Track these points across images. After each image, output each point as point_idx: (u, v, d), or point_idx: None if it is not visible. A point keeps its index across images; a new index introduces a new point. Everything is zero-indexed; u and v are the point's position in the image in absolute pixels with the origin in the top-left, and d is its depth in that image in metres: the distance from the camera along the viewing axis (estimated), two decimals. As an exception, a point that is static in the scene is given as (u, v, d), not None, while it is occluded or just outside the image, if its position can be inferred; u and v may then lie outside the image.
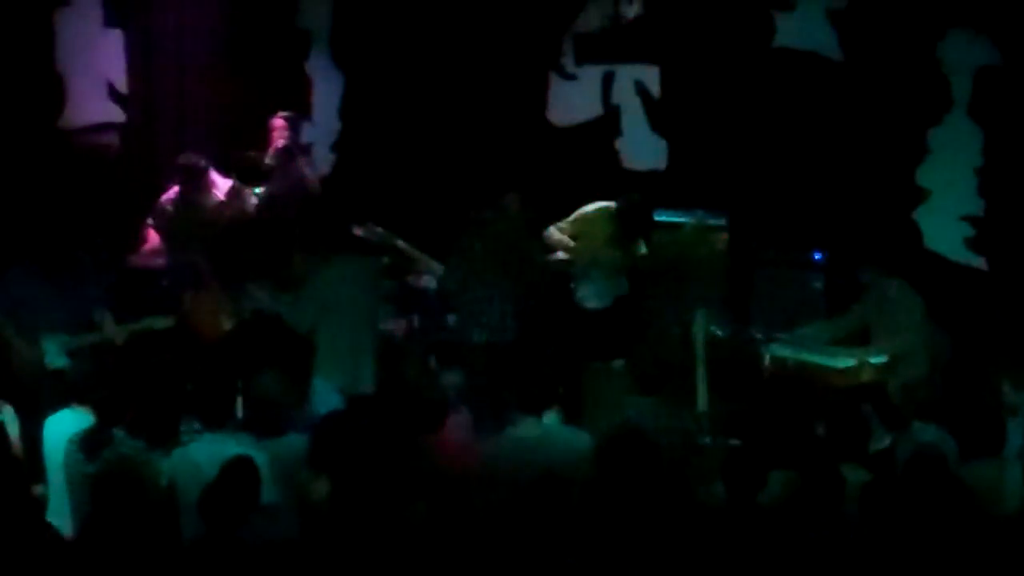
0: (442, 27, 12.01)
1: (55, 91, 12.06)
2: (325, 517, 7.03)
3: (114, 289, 10.04)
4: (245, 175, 10.99)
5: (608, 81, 11.89)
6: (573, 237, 10.50)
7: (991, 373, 9.22)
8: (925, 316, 9.66)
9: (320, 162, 12.23)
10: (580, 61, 11.95)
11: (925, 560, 6.72)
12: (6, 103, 11.78)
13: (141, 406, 7.80)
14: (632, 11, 11.72)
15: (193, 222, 10.91)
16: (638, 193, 10.57)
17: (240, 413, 8.16)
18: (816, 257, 11.01)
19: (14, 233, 10.47)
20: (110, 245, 10.88)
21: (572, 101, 12.01)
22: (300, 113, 12.02)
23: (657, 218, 10.79)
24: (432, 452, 7.68)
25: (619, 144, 11.88)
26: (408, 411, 8.00)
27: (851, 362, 9.50)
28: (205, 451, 7.46)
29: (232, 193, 11.18)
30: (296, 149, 11.56)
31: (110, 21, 12.23)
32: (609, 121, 11.91)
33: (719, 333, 9.94)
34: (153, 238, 11.21)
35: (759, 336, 9.92)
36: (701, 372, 9.57)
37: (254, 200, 11.20)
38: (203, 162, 11.10)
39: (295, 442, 7.70)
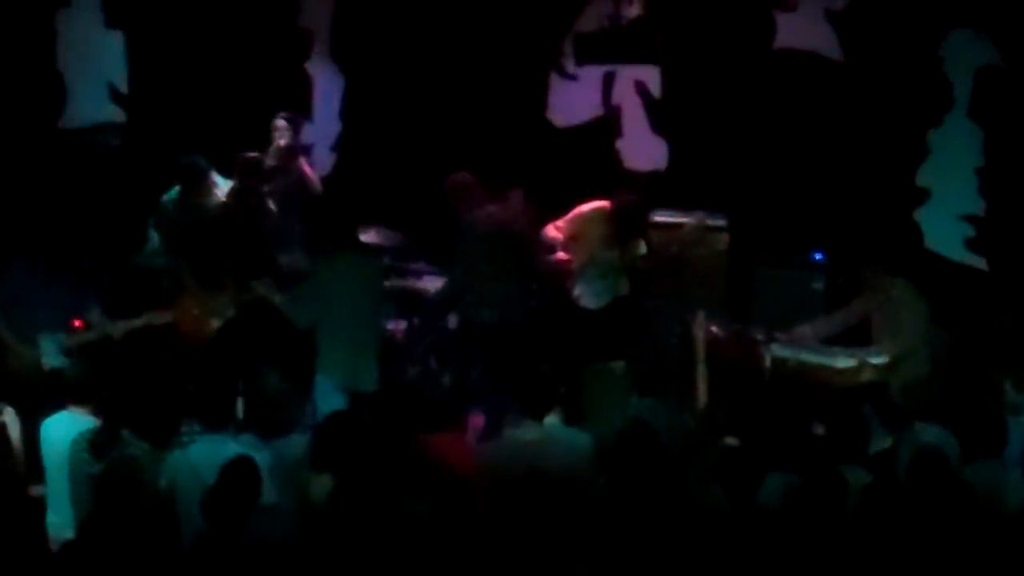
0: (443, 27, 12.00)
1: (56, 91, 12.07)
2: (325, 517, 7.03)
3: (112, 287, 10.03)
4: (245, 176, 10.96)
5: (609, 81, 11.88)
6: (570, 237, 10.50)
7: (992, 373, 9.23)
8: (929, 316, 9.66)
9: (321, 162, 12.23)
10: (581, 61, 11.94)
11: (926, 561, 6.72)
12: (7, 103, 11.78)
13: (142, 407, 7.79)
14: (633, 11, 11.72)
15: (193, 223, 10.89)
16: (633, 193, 10.56)
17: (241, 413, 8.16)
18: (817, 257, 11.02)
19: (15, 233, 10.47)
20: (110, 245, 10.89)
21: (573, 101, 12.00)
22: (301, 113, 12.01)
23: (657, 218, 10.79)
24: (433, 453, 7.67)
25: (620, 144, 11.88)
26: (408, 411, 8.00)
27: (852, 362, 9.49)
28: (205, 452, 7.46)
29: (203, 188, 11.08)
30: (297, 149, 11.56)
31: (111, 22, 12.23)
32: (610, 122, 11.90)
33: (719, 333, 9.94)
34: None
35: (759, 336, 9.91)
36: (701, 372, 9.57)
37: (220, 195, 11.10)
38: (203, 162, 11.09)
39: (297, 442, 7.70)
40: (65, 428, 7.93)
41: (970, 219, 10.89)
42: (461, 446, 7.94)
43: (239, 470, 6.92)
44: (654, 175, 11.70)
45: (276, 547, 6.76)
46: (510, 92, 11.98)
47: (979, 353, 9.80)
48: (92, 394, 8.04)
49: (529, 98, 12.01)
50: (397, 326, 10.58)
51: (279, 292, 10.07)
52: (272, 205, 10.96)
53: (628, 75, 11.84)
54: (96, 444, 7.63)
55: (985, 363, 9.56)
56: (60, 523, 7.75)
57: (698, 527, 6.86)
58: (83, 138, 12.16)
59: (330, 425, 7.70)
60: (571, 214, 10.53)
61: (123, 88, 12.28)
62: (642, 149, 11.81)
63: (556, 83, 12.03)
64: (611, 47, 11.82)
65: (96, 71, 12.22)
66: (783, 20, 11.30)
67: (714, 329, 9.92)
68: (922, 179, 11.00)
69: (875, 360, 9.47)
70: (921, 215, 11.01)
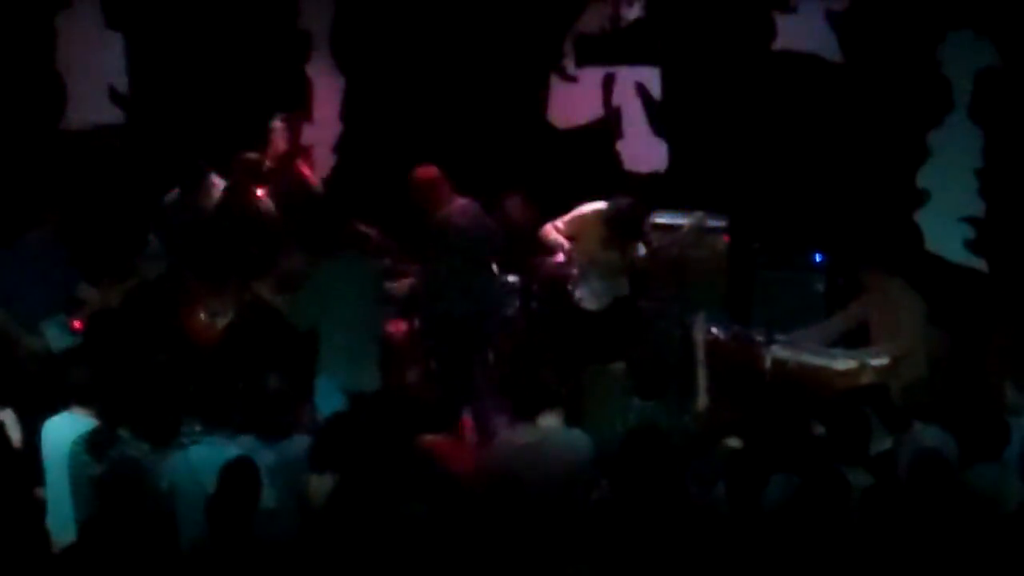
0: (443, 28, 12.01)
1: (56, 92, 12.07)
2: (325, 518, 7.03)
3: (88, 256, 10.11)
4: (245, 176, 10.96)
5: (609, 83, 11.88)
6: (569, 238, 10.50)
7: (992, 374, 9.22)
8: (926, 317, 9.66)
9: (321, 163, 12.23)
10: (581, 63, 11.94)
11: (926, 561, 6.72)
12: (7, 104, 11.78)
13: (143, 408, 7.79)
14: (633, 13, 11.72)
15: (193, 224, 10.90)
16: (631, 195, 10.55)
17: (242, 414, 8.15)
18: (817, 259, 11.01)
19: (15, 233, 10.47)
20: (110, 245, 10.92)
21: (573, 103, 12.00)
22: (301, 115, 12.01)
23: (657, 220, 10.79)
24: (433, 454, 7.68)
25: (620, 146, 11.88)
26: (409, 412, 8.00)
27: (852, 364, 9.50)
28: (206, 454, 7.46)
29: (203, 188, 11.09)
30: (297, 151, 11.56)
31: (111, 23, 12.24)
32: (610, 123, 11.90)
33: (720, 335, 9.94)
34: None
35: (760, 338, 9.91)
36: (701, 374, 9.57)
37: (217, 194, 11.11)
38: (203, 163, 11.09)
39: (298, 443, 7.70)
40: (66, 429, 7.93)
41: (970, 221, 10.88)
42: (461, 447, 7.94)
43: (239, 472, 6.92)
44: (654, 176, 11.70)
45: (276, 548, 6.76)
46: (510, 93, 11.99)
47: (979, 354, 9.80)
48: (96, 396, 8.04)
49: (529, 99, 12.01)
50: (397, 326, 10.57)
51: (279, 293, 10.07)
52: (272, 206, 10.96)
53: (628, 77, 11.83)
54: (94, 444, 7.63)
55: (985, 364, 9.56)
56: (61, 525, 7.75)
57: (698, 528, 6.86)
58: (83, 139, 12.18)
59: (330, 426, 7.70)
60: (571, 215, 10.53)
61: (123, 89, 12.29)
62: (642, 150, 11.81)
63: (557, 85, 12.03)
64: (611, 49, 11.82)
65: (96, 72, 12.24)
66: (783, 21, 11.29)
67: (714, 331, 9.92)
68: (922, 181, 10.99)
69: (875, 361, 9.47)
70: (921, 217, 11.00)
